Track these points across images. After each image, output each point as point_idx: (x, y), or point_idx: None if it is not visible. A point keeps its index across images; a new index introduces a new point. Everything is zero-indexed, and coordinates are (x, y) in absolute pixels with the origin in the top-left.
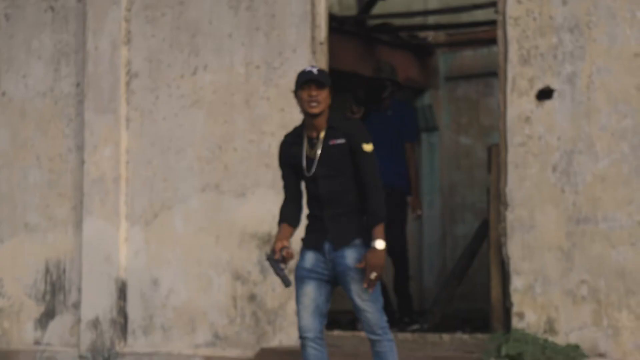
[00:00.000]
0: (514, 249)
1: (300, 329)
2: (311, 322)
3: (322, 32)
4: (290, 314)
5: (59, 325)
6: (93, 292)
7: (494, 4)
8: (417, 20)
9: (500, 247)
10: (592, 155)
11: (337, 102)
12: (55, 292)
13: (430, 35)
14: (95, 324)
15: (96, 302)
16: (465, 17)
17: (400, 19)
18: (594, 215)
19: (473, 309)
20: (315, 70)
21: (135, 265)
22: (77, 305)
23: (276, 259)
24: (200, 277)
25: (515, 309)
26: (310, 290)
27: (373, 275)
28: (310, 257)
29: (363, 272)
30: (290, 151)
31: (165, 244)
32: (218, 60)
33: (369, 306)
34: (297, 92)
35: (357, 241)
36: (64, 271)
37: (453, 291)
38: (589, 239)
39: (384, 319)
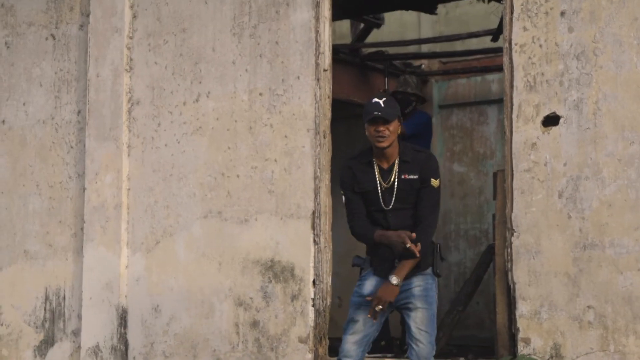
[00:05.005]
0: (520, 275)
1: (341, 351)
2: (354, 350)
3: (327, 59)
4: (294, 340)
5: (59, 352)
6: (93, 319)
7: (489, 33)
8: (411, 48)
9: (506, 272)
10: (598, 181)
11: (335, 130)
12: (54, 320)
13: (424, 64)
14: (95, 351)
15: (96, 330)
16: (459, 46)
17: (395, 47)
18: (601, 241)
19: (464, 336)
20: (382, 103)
21: (136, 292)
22: (77, 333)
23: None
24: (203, 303)
25: (521, 334)
26: (363, 318)
27: (378, 307)
28: (372, 284)
29: (426, 302)
30: (358, 178)
31: (166, 271)
32: (221, 87)
33: (424, 337)
34: (365, 123)
35: (427, 270)
36: (64, 298)
37: (458, 317)
38: (596, 264)
39: (434, 352)
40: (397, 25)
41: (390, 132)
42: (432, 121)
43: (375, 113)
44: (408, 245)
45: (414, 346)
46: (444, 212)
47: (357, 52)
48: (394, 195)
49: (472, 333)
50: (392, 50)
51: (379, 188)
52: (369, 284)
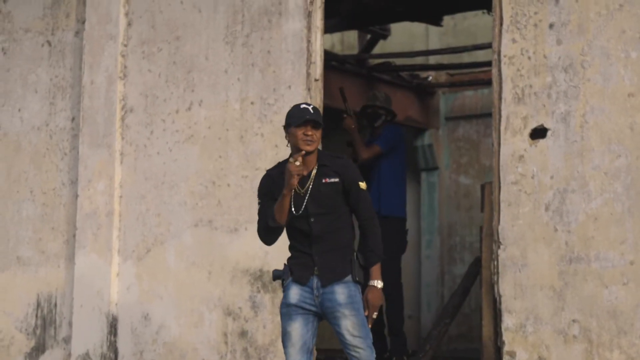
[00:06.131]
0: (506, 288)
1: None
2: (299, 359)
3: (318, 69)
4: (281, 350)
5: (50, 359)
6: (84, 326)
7: None
8: (419, 60)
9: (492, 285)
10: (585, 194)
11: (336, 140)
12: (46, 327)
13: (431, 75)
14: (85, 358)
15: (87, 337)
16: (466, 58)
17: (402, 58)
18: (587, 255)
19: (469, 349)
20: (311, 109)
21: (127, 300)
22: (67, 340)
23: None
24: (192, 312)
25: (506, 347)
26: (297, 326)
27: (375, 314)
28: (296, 292)
29: (353, 309)
30: (275, 186)
31: (157, 279)
32: (213, 96)
33: (360, 342)
34: (289, 128)
35: (347, 277)
36: (55, 305)
37: (445, 329)
38: (581, 278)
39: (374, 355)
40: (405, 36)
41: (317, 138)
42: (403, 135)
43: (308, 117)
44: (298, 163)
45: (354, 354)
46: (450, 225)
47: (363, 63)
48: (306, 199)
49: (476, 346)
50: (399, 61)
51: (294, 194)
52: (294, 293)
